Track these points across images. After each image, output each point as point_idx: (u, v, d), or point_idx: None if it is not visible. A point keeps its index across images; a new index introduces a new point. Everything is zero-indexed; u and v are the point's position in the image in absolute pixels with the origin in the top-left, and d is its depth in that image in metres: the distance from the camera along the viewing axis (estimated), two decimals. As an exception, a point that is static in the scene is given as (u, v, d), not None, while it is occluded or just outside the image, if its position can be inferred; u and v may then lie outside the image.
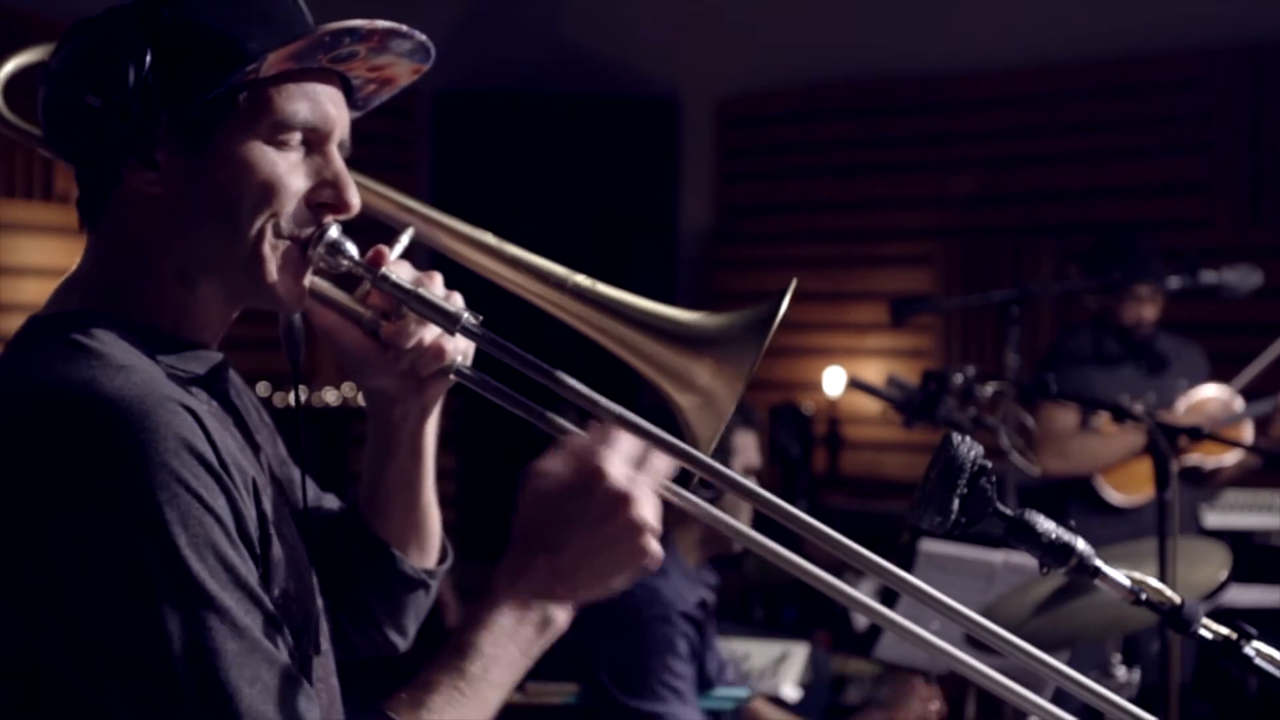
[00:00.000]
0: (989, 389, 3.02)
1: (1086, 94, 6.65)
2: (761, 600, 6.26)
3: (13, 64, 1.72)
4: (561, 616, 1.32)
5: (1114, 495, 4.50)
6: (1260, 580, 4.83)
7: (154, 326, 1.35)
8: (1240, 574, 3.08)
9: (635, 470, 1.31)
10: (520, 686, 3.35)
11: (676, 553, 3.13)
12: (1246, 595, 4.67)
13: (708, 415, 1.41)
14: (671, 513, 3.50)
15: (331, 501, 1.64)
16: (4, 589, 1.22)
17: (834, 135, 7.35)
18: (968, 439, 1.30)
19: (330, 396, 6.74)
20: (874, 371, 6.64)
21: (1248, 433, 4.39)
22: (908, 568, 3.52)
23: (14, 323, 6.29)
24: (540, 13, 7.71)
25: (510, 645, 1.29)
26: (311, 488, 1.60)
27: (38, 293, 6.06)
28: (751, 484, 1.36)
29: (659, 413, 3.21)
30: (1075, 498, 4.51)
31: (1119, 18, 6.50)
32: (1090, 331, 4.72)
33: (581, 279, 1.49)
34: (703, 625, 3.14)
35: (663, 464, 1.33)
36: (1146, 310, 4.58)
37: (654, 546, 1.30)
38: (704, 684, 3.17)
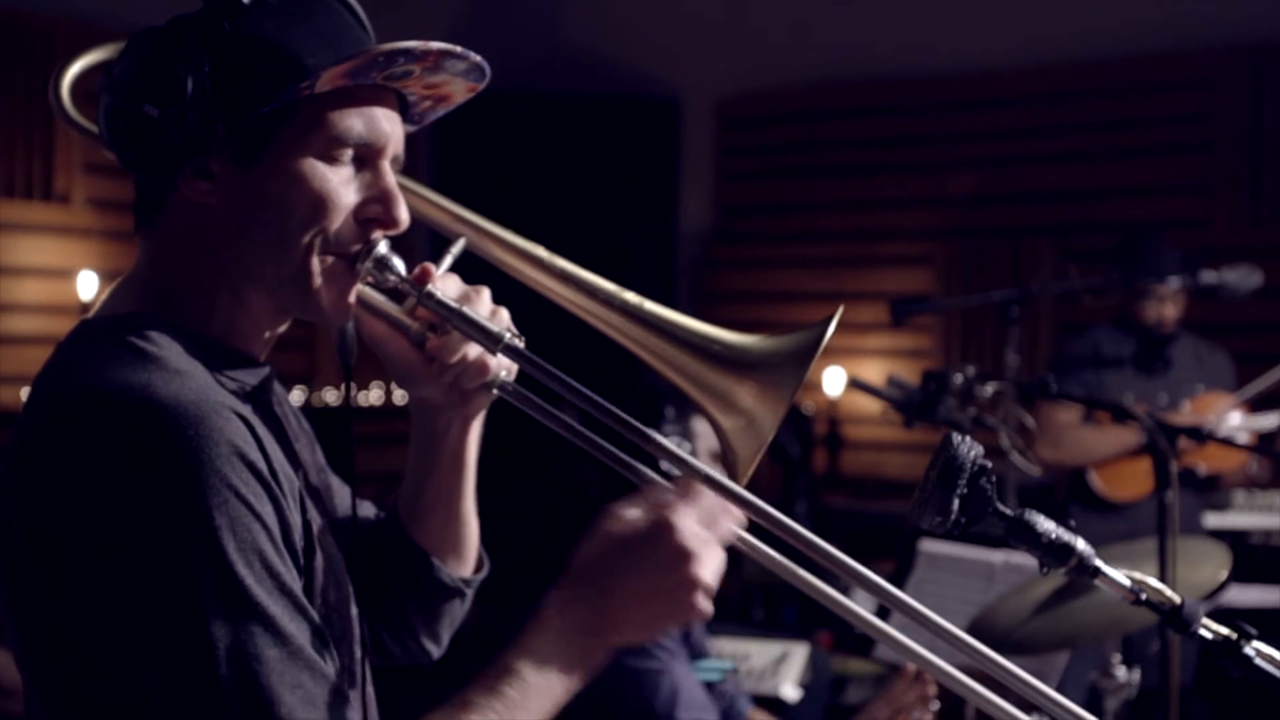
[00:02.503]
0: (989, 389, 3.01)
1: (1086, 94, 6.65)
2: (761, 600, 6.26)
3: (81, 63, 1.73)
4: (601, 655, 1.33)
5: (1108, 492, 4.51)
6: (1260, 580, 4.83)
7: (203, 334, 1.37)
8: (1240, 574, 3.08)
9: (708, 528, 1.31)
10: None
11: None
12: (1246, 595, 4.67)
13: (749, 437, 1.42)
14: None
15: (368, 509, 1.65)
16: (53, 585, 1.24)
17: (834, 135, 7.35)
18: (968, 439, 1.30)
19: (330, 396, 6.75)
20: (874, 371, 6.64)
21: (1243, 442, 4.38)
22: (907, 568, 3.52)
23: (14, 323, 6.24)
24: (540, 13, 7.72)
25: (550, 676, 1.29)
26: (349, 495, 1.61)
27: (38, 293, 6.07)
28: (785, 519, 1.36)
29: (656, 394, 3.19)
30: (1074, 497, 4.53)
31: (1119, 17, 6.51)
32: (1103, 331, 4.72)
33: (630, 296, 1.50)
34: None
35: (734, 523, 1.33)
36: (1167, 310, 4.55)
37: (705, 605, 1.31)
38: (694, 653, 3.18)
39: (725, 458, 1.44)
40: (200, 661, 1.19)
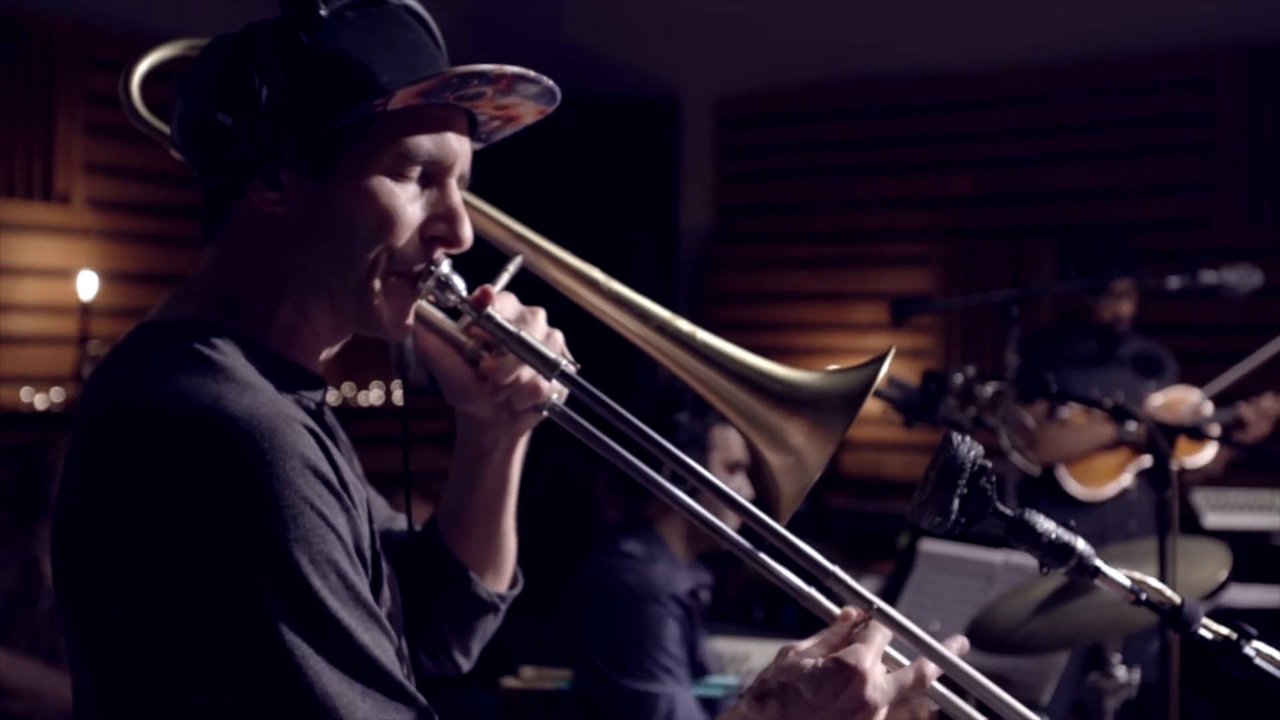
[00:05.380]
0: (989, 389, 3.01)
1: (1086, 94, 6.65)
2: (761, 600, 6.25)
3: (149, 60, 1.72)
4: None
5: (1077, 488, 4.52)
6: (1260, 580, 4.84)
7: (263, 344, 1.37)
8: (1240, 574, 3.08)
9: (890, 676, 1.32)
10: (515, 672, 3.33)
11: (664, 543, 3.18)
12: (1246, 595, 4.67)
13: (795, 475, 1.41)
14: (654, 505, 3.46)
15: (400, 523, 1.65)
16: (124, 594, 1.25)
17: (834, 135, 7.35)
18: (968, 439, 1.30)
19: (330, 396, 6.75)
20: (874, 371, 6.63)
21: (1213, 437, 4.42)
22: (907, 569, 3.52)
23: (14, 323, 6.21)
24: (540, 13, 7.71)
25: None
26: (386, 507, 1.63)
27: (38, 293, 6.07)
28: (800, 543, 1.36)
29: (671, 402, 3.18)
30: (1039, 491, 4.53)
31: (1119, 18, 6.50)
32: (1061, 330, 4.74)
33: (683, 324, 1.50)
34: (692, 612, 3.16)
35: (919, 676, 1.34)
36: (1123, 308, 4.61)
37: None
38: (697, 672, 3.18)
39: (768, 494, 1.43)
40: (274, 670, 1.20)
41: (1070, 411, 4.49)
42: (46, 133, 6.08)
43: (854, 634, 1.33)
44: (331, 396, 6.70)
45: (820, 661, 1.31)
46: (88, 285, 5.99)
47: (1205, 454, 4.51)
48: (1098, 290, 4.57)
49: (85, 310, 5.95)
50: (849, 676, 1.29)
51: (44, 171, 6.10)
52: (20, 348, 6.00)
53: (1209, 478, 4.76)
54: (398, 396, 6.65)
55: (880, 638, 1.33)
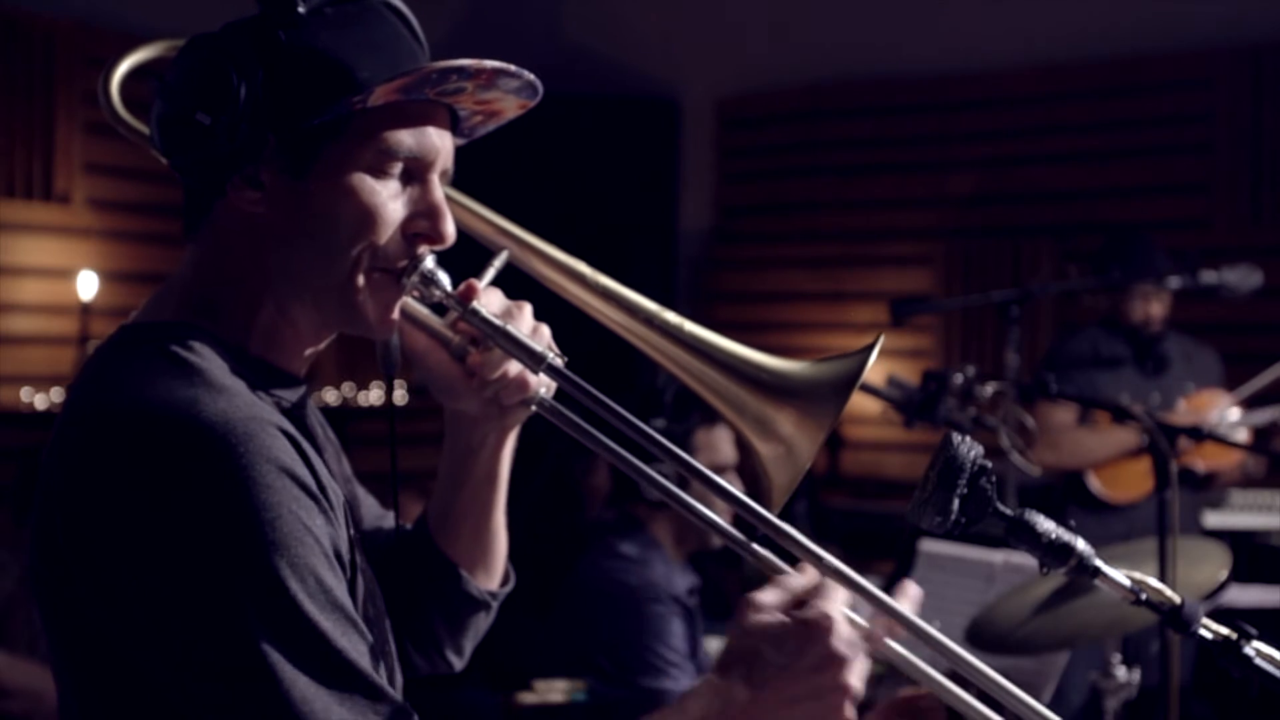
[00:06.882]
0: (989, 389, 3.01)
1: (1086, 94, 6.65)
2: (761, 600, 6.25)
3: (129, 62, 1.72)
4: None
5: (1107, 494, 4.51)
6: (1260, 580, 4.83)
7: (243, 346, 1.36)
8: (1240, 574, 3.08)
9: (855, 630, 1.29)
10: (529, 685, 3.31)
11: (657, 543, 3.17)
12: (1246, 595, 4.67)
13: (786, 465, 1.40)
14: (645, 506, 3.43)
15: (390, 521, 1.64)
16: (102, 597, 1.24)
17: (834, 135, 7.35)
18: (968, 439, 1.30)
19: (330, 396, 6.75)
20: (874, 371, 6.62)
21: (1242, 439, 4.39)
22: (907, 568, 3.52)
23: (14, 323, 6.20)
24: (540, 13, 7.71)
25: None
26: (376, 506, 1.62)
27: (38, 293, 6.07)
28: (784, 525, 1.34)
29: (655, 401, 3.17)
30: (1071, 498, 4.52)
31: (1119, 18, 6.51)
32: (1095, 332, 4.72)
33: (670, 316, 1.49)
34: (692, 612, 3.17)
35: (885, 630, 1.31)
36: (1153, 309, 4.58)
37: (851, 713, 1.28)
38: (698, 670, 3.19)
39: (760, 484, 1.42)
40: (252, 676, 1.19)
41: (1100, 417, 4.46)
42: (46, 133, 6.08)
43: (812, 593, 1.29)
44: (331, 396, 6.70)
45: (780, 618, 1.27)
46: (88, 285, 5.99)
47: (1230, 458, 4.48)
48: (1117, 290, 4.54)
49: (85, 310, 5.95)
50: (815, 631, 1.25)
51: (44, 171, 6.10)
52: (20, 348, 6.00)
53: (1248, 476, 4.72)
54: (398, 396, 6.66)
55: (841, 594, 1.29)
